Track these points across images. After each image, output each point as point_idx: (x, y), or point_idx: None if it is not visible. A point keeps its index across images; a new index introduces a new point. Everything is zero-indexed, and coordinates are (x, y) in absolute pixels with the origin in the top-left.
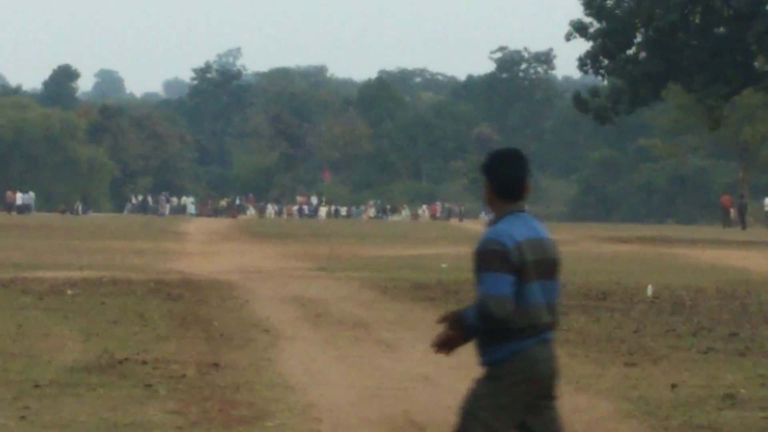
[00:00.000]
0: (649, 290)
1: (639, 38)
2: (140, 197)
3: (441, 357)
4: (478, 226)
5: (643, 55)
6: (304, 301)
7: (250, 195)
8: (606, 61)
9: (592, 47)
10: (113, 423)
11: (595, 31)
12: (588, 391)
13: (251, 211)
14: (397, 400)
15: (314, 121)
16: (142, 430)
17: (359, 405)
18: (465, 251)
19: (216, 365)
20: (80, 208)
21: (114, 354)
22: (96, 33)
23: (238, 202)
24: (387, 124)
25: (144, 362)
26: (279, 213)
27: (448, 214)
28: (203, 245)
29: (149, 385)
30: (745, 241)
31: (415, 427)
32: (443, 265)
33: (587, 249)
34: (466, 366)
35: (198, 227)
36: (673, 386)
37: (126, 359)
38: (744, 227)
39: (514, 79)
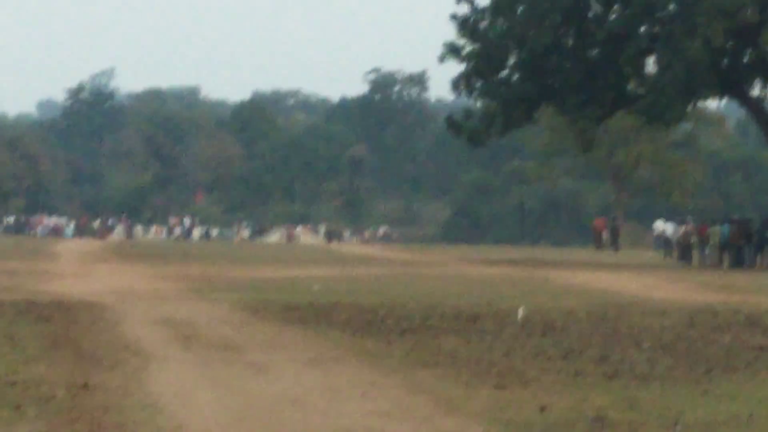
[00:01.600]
0: (520, 313)
1: (512, 60)
2: (12, 219)
3: (310, 380)
4: (355, 248)
5: (516, 77)
6: (175, 322)
7: (124, 215)
8: (479, 83)
9: (465, 69)
10: None
11: (469, 52)
12: (457, 414)
13: (119, 231)
14: (266, 423)
15: (187, 142)
16: None
17: (228, 428)
18: (336, 274)
19: (86, 386)
20: None
21: None
22: None
23: (110, 222)
24: (260, 145)
25: (13, 384)
26: (146, 233)
27: (329, 236)
28: (76, 266)
29: (18, 407)
30: (617, 263)
31: None
32: (315, 287)
33: (459, 271)
34: (335, 388)
35: (71, 248)
36: (542, 409)
37: None
38: (616, 249)
39: (388, 101)
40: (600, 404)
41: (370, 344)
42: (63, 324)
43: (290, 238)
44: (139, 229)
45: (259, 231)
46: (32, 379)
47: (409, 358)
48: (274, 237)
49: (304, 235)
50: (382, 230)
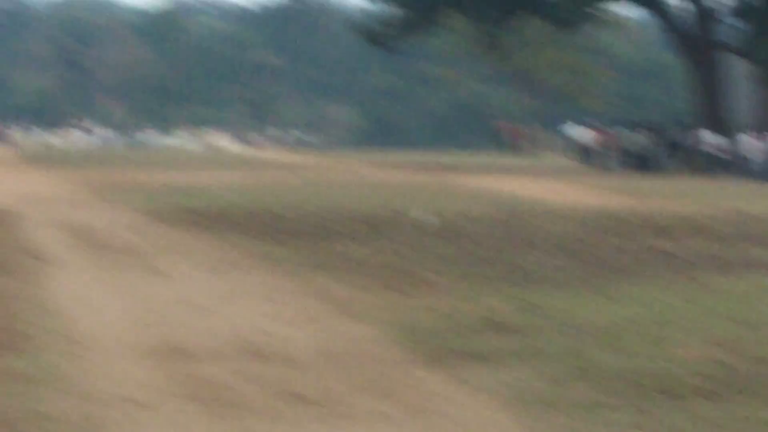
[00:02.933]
0: (417, 213)
1: None
2: None
3: (211, 284)
4: (260, 153)
5: None
6: (77, 227)
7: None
8: None
9: None
10: None
11: None
12: (352, 317)
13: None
14: (164, 327)
15: (99, 48)
16: None
17: (124, 330)
18: (242, 177)
19: None
20: None
21: None
22: None
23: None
24: (171, 51)
25: None
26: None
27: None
28: None
29: None
30: (522, 167)
31: (180, 352)
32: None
33: (363, 175)
34: (235, 293)
35: None
36: (432, 310)
37: None
38: (520, 152)
39: (295, 5)
40: (495, 307)
41: (271, 248)
42: None
43: (202, 140)
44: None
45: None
46: None
47: (308, 261)
48: (183, 140)
49: (218, 140)
50: (293, 134)
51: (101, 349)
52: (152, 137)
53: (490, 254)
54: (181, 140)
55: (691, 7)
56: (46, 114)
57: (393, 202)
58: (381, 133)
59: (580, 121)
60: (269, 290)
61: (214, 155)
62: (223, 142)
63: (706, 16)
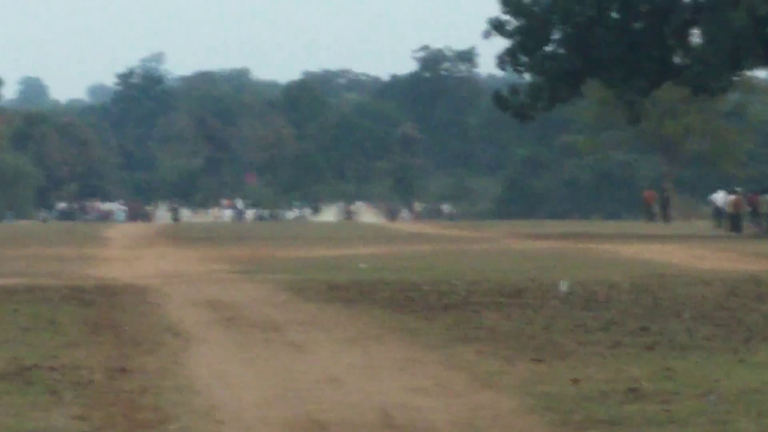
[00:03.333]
0: (563, 286)
1: (556, 35)
2: (64, 204)
3: (350, 358)
4: (406, 226)
5: (561, 51)
6: (217, 304)
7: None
8: (524, 58)
9: (511, 45)
10: (15, 429)
11: (513, 28)
12: (492, 388)
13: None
14: (303, 401)
15: (238, 124)
16: None
17: (263, 406)
18: (386, 251)
19: (123, 370)
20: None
21: (22, 361)
22: (19, 40)
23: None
24: (311, 125)
25: (52, 368)
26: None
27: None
28: (125, 251)
29: (55, 391)
30: (666, 235)
31: (318, 427)
32: (362, 266)
33: (507, 246)
34: (373, 366)
35: (122, 233)
36: (575, 381)
37: (34, 366)
38: (667, 221)
39: (437, 78)
40: (636, 375)
41: (411, 321)
42: (105, 308)
43: (349, 214)
44: (185, 212)
45: (314, 210)
46: (71, 364)
47: (449, 334)
48: (330, 215)
49: (363, 213)
50: (437, 206)
51: (240, 425)
52: (298, 213)
53: (630, 321)
54: (326, 215)
55: None
56: (192, 192)
57: (536, 272)
58: (525, 203)
59: (723, 187)
60: (409, 363)
61: (358, 229)
62: (369, 215)
63: None
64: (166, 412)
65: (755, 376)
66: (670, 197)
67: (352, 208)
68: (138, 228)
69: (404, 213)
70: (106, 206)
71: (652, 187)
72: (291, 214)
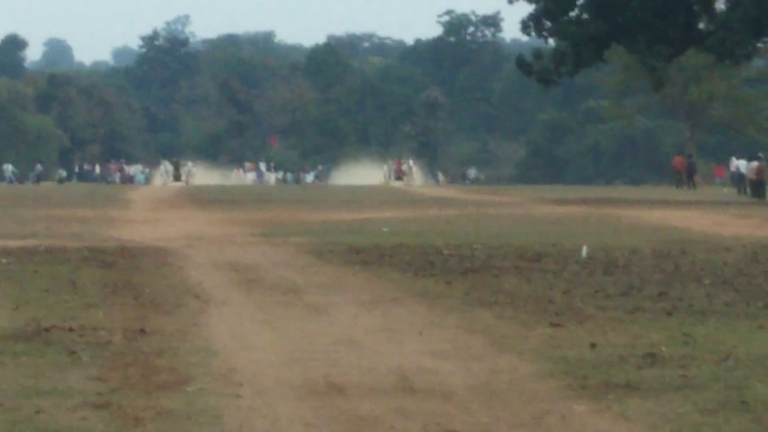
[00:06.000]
0: (584, 251)
1: (581, 0)
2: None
3: (369, 321)
4: (430, 190)
5: (585, 16)
6: (239, 266)
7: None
8: (548, 24)
9: (535, 10)
10: (34, 390)
11: None
12: (510, 352)
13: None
14: (321, 364)
15: (262, 87)
16: (62, 397)
17: (282, 369)
18: (409, 215)
19: (142, 331)
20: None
21: (41, 322)
22: (44, 1)
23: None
24: (335, 89)
25: (70, 329)
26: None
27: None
28: (147, 212)
29: (73, 352)
30: (690, 201)
31: (336, 389)
32: (384, 229)
33: (530, 211)
34: (392, 329)
35: (144, 195)
36: (593, 345)
37: (53, 327)
38: (693, 187)
39: (462, 43)
40: (654, 340)
41: (431, 285)
42: (125, 270)
43: (398, 173)
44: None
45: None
46: (90, 325)
47: (468, 297)
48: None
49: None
50: (461, 171)
51: (259, 387)
52: (321, 176)
53: (649, 287)
54: (349, 178)
55: None
56: (217, 155)
57: (558, 237)
58: (548, 168)
59: (745, 154)
60: (428, 327)
61: (379, 192)
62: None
63: None
64: (184, 374)
65: None
66: (695, 163)
67: (404, 168)
68: (161, 190)
69: (426, 175)
70: (132, 169)
71: (676, 153)
72: (310, 176)
